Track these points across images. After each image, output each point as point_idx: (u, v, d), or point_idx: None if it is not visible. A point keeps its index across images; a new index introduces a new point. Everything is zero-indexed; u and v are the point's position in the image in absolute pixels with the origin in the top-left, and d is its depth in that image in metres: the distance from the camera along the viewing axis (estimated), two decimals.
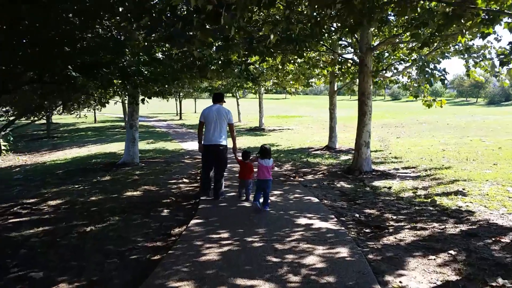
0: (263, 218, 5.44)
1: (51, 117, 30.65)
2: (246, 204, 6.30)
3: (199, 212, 5.88)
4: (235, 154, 6.80)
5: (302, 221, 5.30)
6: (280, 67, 13.13)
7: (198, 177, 8.99)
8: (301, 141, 17.45)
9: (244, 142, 17.79)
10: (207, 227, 5.06)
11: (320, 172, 9.46)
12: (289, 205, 6.20)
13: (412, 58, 9.36)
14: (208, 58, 9.56)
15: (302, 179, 8.74)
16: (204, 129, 6.68)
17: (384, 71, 9.39)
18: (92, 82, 4.85)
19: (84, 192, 7.80)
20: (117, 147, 16.60)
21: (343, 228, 5.01)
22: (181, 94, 33.61)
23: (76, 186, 8.54)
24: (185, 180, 8.76)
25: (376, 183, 8.17)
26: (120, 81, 5.73)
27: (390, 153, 12.79)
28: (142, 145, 17.41)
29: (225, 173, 6.84)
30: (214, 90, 24.60)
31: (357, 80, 12.70)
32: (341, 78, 12.46)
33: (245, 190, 6.57)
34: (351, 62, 9.79)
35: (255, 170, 6.18)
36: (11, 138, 19.41)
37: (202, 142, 6.61)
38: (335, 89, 13.89)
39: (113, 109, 32.26)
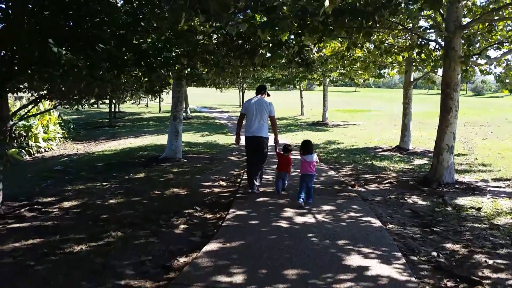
0: (299, 249, 3.99)
1: (117, 105, 31.23)
2: (283, 223, 4.88)
3: (221, 232, 4.57)
4: (276, 147, 6.76)
5: (354, 260, 3.77)
6: (346, 53, 11.37)
7: (239, 179, 7.74)
8: (367, 139, 15.50)
9: (302, 137, 16.24)
10: (221, 260, 3.72)
11: (387, 181, 7.72)
12: (339, 230, 4.67)
13: None
14: (257, 40, 8.19)
15: (363, 189, 7.10)
16: (245, 121, 6.64)
17: (476, 57, 7.36)
18: (82, 60, 3.72)
19: (107, 192, 6.85)
20: None
21: (413, 278, 3.41)
22: (244, 85, 32.57)
23: (104, 183, 7.65)
24: (222, 182, 7.52)
25: (460, 201, 6.31)
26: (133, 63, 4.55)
27: (476, 159, 10.57)
28: (196, 137, 16.58)
29: (264, 166, 6.87)
30: (276, 81, 23.20)
31: (439, 69, 10.62)
32: (419, 67, 10.42)
33: (282, 182, 6.51)
34: (434, 45, 7.84)
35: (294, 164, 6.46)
36: (72, 126, 19.59)
37: (245, 134, 6.58)
38: (412, 80, 11.71)
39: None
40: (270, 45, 7.86)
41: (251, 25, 7.08)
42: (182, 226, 4.96)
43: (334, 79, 20.84)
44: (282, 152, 6.51)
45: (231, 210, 5.43)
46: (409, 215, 5.64)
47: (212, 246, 4.07)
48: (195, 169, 8.84)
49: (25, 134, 14.28)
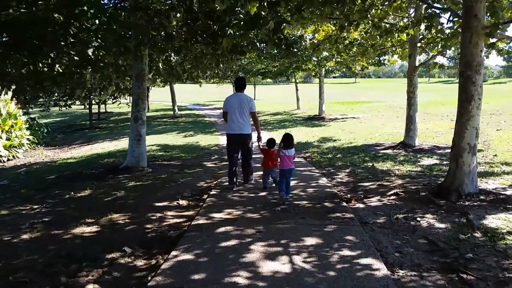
0: None
1: (104, 105, 29.48)
2: (243, 276, 3.25)
3: None
4: (259, 143, 6.53)
5: None
6: (340, 34, 9.67)
7: (205, 196, 6.12)
8: (367, 134, 13.84)
9: (296, 134, 14.59)
10: None
11: (392, 191, 6.08)
12: (324, 287, 3.05)
13: None
14: (226, 19, 6.60)
15: (361, 205, 5.48)
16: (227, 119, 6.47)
17: (504, 27, 5.69)
18: None
19: (28, 221, 5.25)
20: (148, 141, 14.23)
21: None
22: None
23: (35, 207, 6.05)
24: (182, 201, 5.89)
25: (492, 221, 4.67)
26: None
27: (496, 155, 8.92)
28: (177, 138, 14.99)
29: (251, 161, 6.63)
30: (267, 73, 21.53)
31: (447, 51, 8.96)
32: (426, 48, 8.71)
33: (272, 178, 6.29)
34: (448, 17, 6.18)
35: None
36: (45, 130, 17.98)
37: (226, 132, 6.47)
38: (416, 64, 9.91)
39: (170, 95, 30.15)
40: (242, 23, 6.29)
41: None
42: (89, 286, 3.33)
43: (330, 69, 19.16)
44: (267, 147, 6.31)
45: (173, 253, 3.80)
46: (425, 247, 4.02)
47: None
48: (156, 182, 7.21)
49: None
